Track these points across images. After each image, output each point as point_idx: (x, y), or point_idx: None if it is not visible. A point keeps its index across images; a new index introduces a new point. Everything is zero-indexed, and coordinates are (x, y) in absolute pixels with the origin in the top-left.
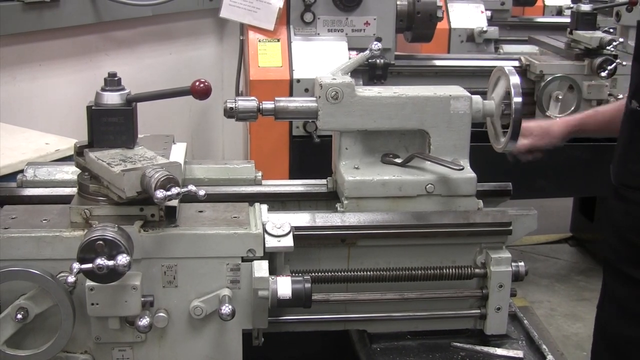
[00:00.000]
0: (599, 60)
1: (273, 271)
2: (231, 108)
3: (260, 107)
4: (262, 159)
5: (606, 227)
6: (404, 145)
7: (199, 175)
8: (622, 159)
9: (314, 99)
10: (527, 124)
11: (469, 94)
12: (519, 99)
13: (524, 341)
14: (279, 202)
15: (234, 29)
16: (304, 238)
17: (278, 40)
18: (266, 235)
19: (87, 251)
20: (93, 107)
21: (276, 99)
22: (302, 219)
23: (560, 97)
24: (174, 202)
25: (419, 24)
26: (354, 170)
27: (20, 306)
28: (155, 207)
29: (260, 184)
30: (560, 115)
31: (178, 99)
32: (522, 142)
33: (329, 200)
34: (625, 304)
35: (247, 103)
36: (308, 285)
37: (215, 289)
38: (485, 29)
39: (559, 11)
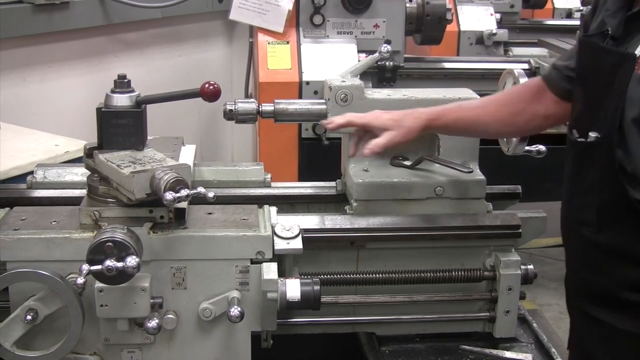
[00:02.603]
0: None
1: (282, 273)
2: (230, 110)
3: (260, 109)
4: (271, 161)
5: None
6: (413, 148)
7: (208, 177)
8: (569, 194)
9: (314, 101)
10: (379, 118)
11: (478, 97)
12: None
13: (533, 344)
14: (288, 204)
15: (243, 31)
16: (313, 240)
17: (287, 43)
18: (275, 238)
19: (97, 253)
20: (102, 109)
21: (275, 101)
22: (311, 221)
23: None
24: (183, 204)
25: (428, 26)
26: (363, 173)
27: (29, 307)
28: (164, 209)
29: (270, 186)
30: None
31: (187, 101)
32: (377, 141)
33: (338, 202)
34: (590, 346)
35: (246, 105)
36: (317, 287)
37: (224, 290)
38: (494, 31)
39: (569, 14)
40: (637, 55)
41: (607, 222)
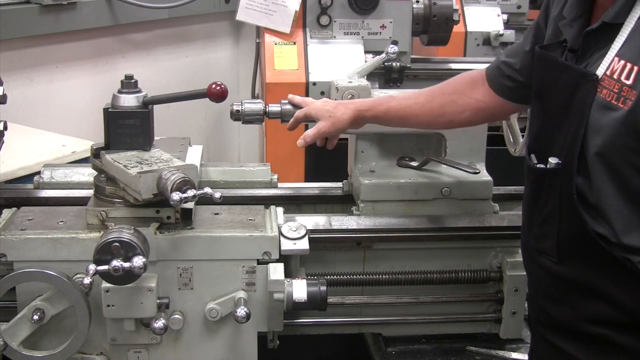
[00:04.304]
0: None
1: (288, 274)
2: (237, 111)
3: (267, 110)
4: (278, 161)
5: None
6: (420, 149)
7: (215, 177)
8: (528, 221)
9: None
10: (315, 108)
11: None
12: None
13: None
14: (295, 204)
15: (250, 31)
16: (319, 241)
17: (294, 43)
18: (282, 238)
19: (103, 253)
20: (110, 109)
21: (282, 101)
22: (318, 221)
23: None
24: (190, 205)
25: (435, 27)
26: (369, 174)
27: (36, 307)
28: (171, 210)
29: (276, 187)
30: None
31: (194, 101)
32: (307, 132)
33: (345, 203)
34: None
35: (253, 105)
36: (323, 288)
37: (231, 291)
38: (501, 32)
39: None
40: (599, 77)
41: (568, 254)
